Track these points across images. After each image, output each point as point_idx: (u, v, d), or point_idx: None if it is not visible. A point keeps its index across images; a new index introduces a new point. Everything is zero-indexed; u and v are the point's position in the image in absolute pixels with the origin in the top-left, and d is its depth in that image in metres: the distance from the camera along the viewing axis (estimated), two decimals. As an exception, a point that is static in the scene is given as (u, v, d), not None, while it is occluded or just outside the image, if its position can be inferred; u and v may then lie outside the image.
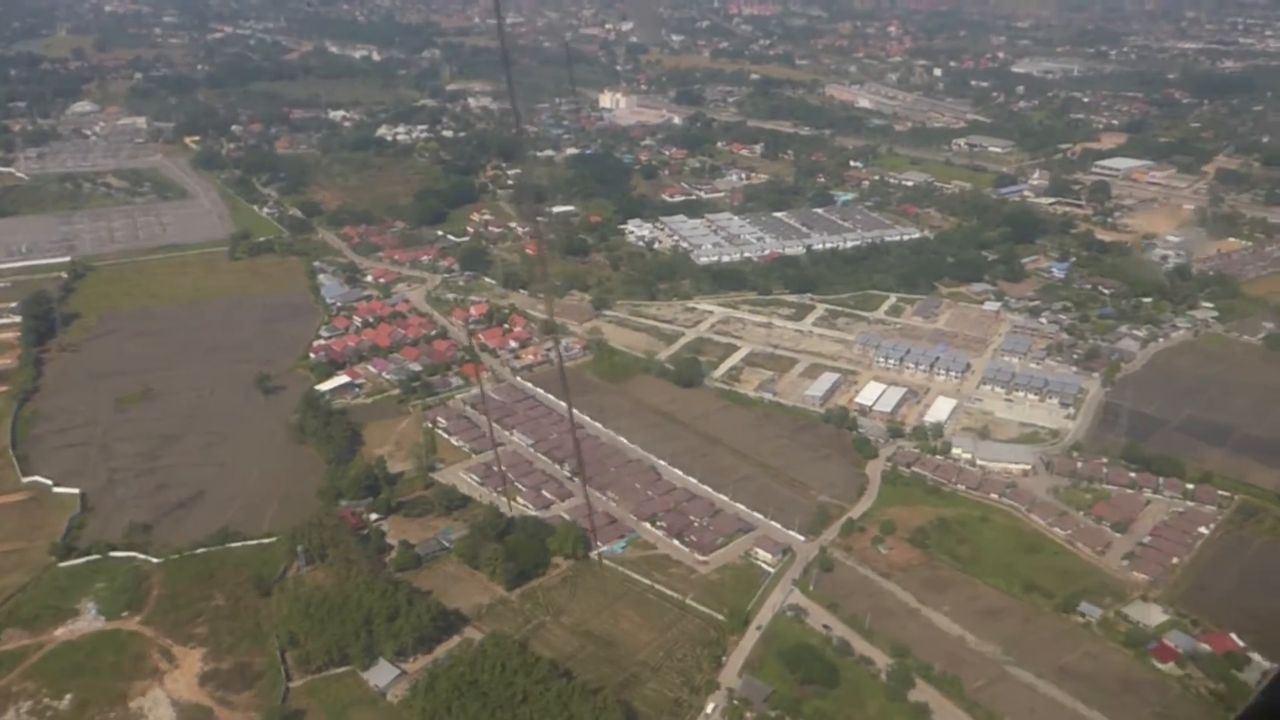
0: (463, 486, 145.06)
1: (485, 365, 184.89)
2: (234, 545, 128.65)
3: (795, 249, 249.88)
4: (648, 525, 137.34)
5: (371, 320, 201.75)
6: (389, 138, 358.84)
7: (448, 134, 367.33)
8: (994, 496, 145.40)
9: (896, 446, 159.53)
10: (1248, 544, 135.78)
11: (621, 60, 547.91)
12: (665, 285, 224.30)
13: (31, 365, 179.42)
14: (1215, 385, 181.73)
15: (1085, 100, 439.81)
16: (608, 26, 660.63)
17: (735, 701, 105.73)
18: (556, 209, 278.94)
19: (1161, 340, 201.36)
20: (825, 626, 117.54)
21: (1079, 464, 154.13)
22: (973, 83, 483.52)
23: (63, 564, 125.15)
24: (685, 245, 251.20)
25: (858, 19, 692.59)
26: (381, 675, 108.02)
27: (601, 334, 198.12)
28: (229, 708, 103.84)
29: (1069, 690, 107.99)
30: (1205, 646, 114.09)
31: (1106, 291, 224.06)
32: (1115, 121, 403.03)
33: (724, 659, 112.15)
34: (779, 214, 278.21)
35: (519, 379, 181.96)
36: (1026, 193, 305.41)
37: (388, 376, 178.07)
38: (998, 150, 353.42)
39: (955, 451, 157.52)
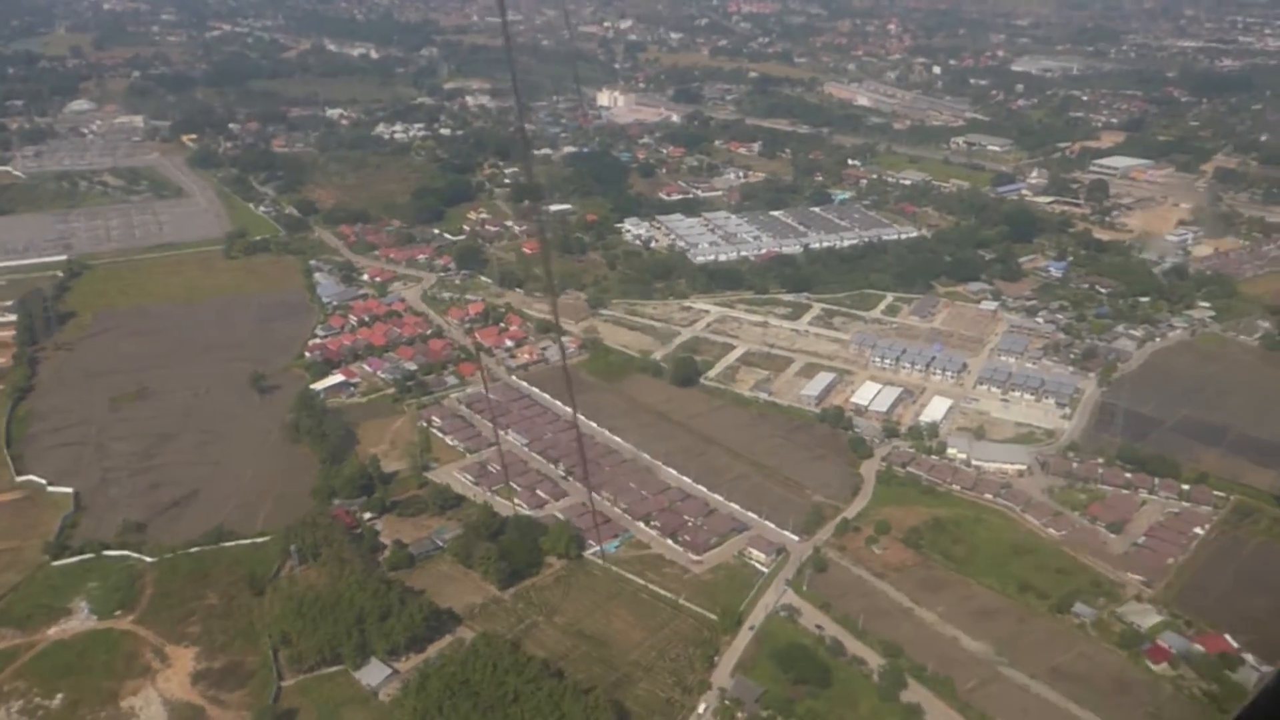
0: (457, 486, 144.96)
1: (482, 364, 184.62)
2: (227, 544, 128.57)
3: (792, 248, 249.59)
4: (642, 525, 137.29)
5: (367, 319, 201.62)
6: (386, 136, 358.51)
7: (445, 132, 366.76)
8: (989, 497, 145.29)
9: (892, 446, 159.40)
10: (1243, 544, 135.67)
11: (620, 58, 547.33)
12: (661, 284, 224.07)
13: (26, 364, 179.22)
14: (1212, 385, 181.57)
15: (1084, 99, 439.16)
16: (606, 24, 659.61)
17: (727, 701, 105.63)
18: (553, 207, 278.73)
19: (1158, 340, 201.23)
20: (818, 626, 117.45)
21: (1074, 464, 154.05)
22: (972, 81, 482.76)
23: (56, 563, 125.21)
24: (682, 244, 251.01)
25: (857, 17, 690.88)
26: (373, 674, 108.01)
27: (597, 333, 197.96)
28: (221, 707, 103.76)
29: (1062, 691, 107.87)
30: (1199, 647, 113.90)
31: (1104, 291, 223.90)
32: (1114, 120, 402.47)
33: (716, 659, 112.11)
34: (776, 213, 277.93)
35: (514, 378, 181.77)
36: (1025, 191, 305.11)
37: (383, 375, 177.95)
38: (996, 149, 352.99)
39: (950, 451, 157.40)
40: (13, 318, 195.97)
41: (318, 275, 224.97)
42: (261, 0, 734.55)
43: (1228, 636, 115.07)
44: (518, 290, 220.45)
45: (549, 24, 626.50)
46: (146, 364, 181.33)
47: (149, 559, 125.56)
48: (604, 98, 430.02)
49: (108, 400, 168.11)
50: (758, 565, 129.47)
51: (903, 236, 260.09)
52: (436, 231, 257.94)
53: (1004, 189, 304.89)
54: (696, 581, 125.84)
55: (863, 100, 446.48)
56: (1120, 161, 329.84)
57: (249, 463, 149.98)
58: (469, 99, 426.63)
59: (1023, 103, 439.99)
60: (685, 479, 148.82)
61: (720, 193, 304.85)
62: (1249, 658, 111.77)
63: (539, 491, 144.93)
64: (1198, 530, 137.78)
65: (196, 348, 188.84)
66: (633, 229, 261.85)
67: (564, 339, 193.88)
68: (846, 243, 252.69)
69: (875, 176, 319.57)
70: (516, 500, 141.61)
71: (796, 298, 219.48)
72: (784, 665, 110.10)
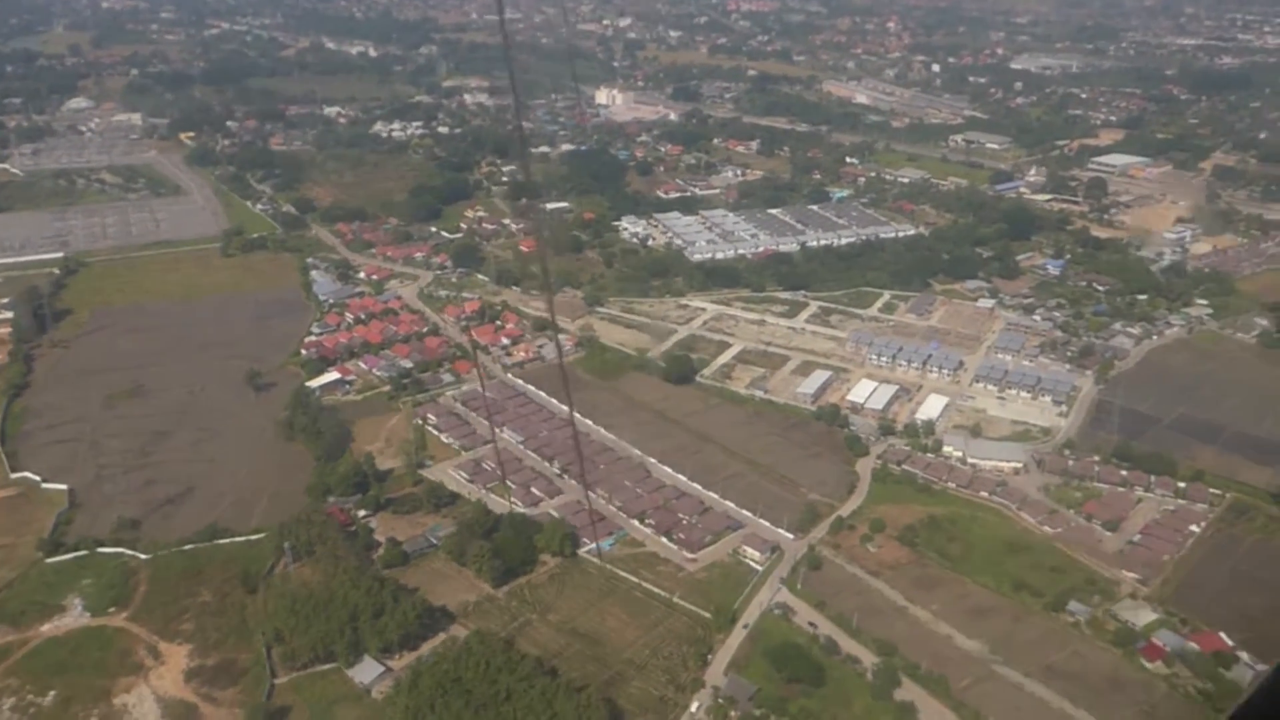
0: (452, 483, 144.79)
1: (478, 362, 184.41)
2: (222, 542, 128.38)
3: (790, 246, 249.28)
4: (636, 523, 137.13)
5: (363, 317, 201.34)
6: (384, 134, 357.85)
7: (443, 130, 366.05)
8: (984, 495, 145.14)
9: (887, 444, 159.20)
10: (1239, 542, 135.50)
11: (618, 56, 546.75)
12: (658, 282, 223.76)
13: (22, 361, 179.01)
14: (1208, 383, 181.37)
15: (1083, 96, 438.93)
16: (605, 22, 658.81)
17: (720, 700, 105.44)
18: (551, 205, 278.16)
19: (1155, 337, 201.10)
20: (812, 625, 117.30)
21: (1070, 462, 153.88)
22: (971, 79, 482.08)
23: (50, 560, 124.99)
24: (679, 242, 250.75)
25: (856, 15, 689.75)
26: (366, 672, 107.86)
27: (593, 331, 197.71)
28: (214, 704, 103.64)
29: (1056, 689, 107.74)
30: (1194, 645, 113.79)
31: (1101, 288, 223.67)
32: (1113, 118, 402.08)
33: (710, 657, 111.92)
34: (774, 211, 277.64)
35: (510, 376, 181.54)
36: (1023, 189, 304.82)
37: (378, 373, 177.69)
38: (995, 146, 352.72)
39: (946, 449, 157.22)
40: (9, 315, 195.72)
41: (314, 273, 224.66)
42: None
43: (1223, 635, 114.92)
44: (514, 288, 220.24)
45: (548, 22, 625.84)
46: (142, 361, 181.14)
47: (143, 556, 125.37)
48: (602, 96, 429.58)
49: (103, 397, 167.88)
50: (752, 563, 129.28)
51: (900, 234, 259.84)
52: (434, 229, 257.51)
53: (1002, 187, 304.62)
54: (691, 579, 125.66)
55: (861, 98, 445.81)
56: (1119, 159, 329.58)
57: (244, 460, 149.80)
58: (467, 97, 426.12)
59: (1021, 100, 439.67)
60: (680, 477, 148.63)
61: (718, 191, 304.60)
62: (1244, 656, 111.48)
63: (534, 489, 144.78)
64: (1193, 528, 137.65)
65: (192, 345, 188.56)
66: (630, 227, 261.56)
67: (560, 337, 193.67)
68: (844, 241, 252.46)
69: (873, 174, 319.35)
70: (511, 498, 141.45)
71: (793, 295, 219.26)
72: (778, 663, 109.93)
